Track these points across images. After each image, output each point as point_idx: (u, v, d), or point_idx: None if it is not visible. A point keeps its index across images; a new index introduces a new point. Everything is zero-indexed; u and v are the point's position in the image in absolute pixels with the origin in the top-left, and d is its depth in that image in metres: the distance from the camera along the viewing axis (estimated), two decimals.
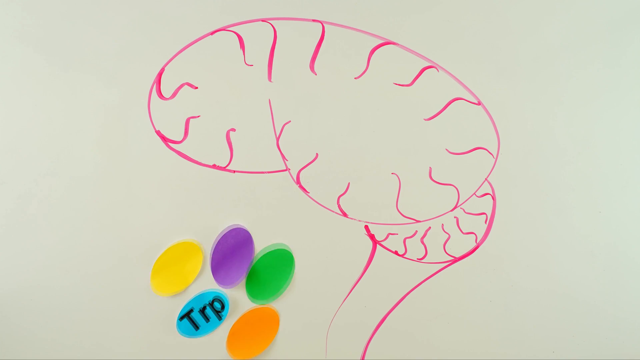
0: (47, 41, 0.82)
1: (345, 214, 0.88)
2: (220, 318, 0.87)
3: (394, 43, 0.86)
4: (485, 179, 0.89)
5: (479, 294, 0.90)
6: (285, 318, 0.89)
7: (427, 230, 0.89)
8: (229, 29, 0.84)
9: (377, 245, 0.89)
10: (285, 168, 0.87)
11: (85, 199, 0.84)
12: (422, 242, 0.89)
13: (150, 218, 0.85)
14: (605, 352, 0.91)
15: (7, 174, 0.83)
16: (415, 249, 0.89)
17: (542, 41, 0.87)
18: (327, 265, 0.88)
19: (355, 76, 0.86)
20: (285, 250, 0.87)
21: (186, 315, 0.87)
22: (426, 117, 0.87)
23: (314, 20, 0.85)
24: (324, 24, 0.85)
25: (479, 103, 0.87)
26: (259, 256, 0.87)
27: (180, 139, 0.85)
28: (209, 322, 0.87)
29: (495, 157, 0.88)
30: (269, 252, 0.87)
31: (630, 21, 0.88)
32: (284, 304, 0.89)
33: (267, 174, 0.86)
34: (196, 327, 0.87)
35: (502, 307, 0.90)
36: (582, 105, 0.88)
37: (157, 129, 0.84)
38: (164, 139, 0.85)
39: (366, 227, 0.88)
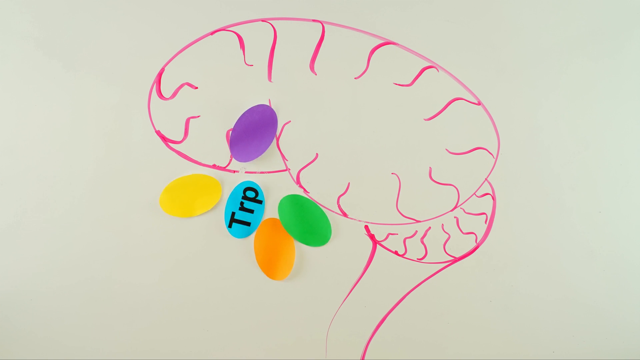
0: (47, 42, 0.82)
1: (345, 214, 0.88)
2: (261, 202, 0.86)
3: (394, 43, 0.86)
4: (485, 179, 0.89)
5: (479, 294, 0.90)
6: (285, 318, 0.89)
7: (427, 230, 0.89)
8: (229, 29, 0.84)
9: (377, 245, 0.89)
10: (285, 168, 0.87)
11: (85, 199, 0.84)
12: (422, 242, 0.89)
13: (149, 219, 0.85)
14: (605, 352, 0.91)
15: (7, 174, 0.83)
16: (415, 249, 0.89)
17: (542, 41, 0.87)
18: (327, 265, 0.88)
19: (355, 76, 0.86)
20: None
21: (232, 220, 0.86)
22: (426, 117, 0.87)
23: (314, 20, 0.85)
24: (324, 24, 0.85)
25: (479, 103, 0.87)
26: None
27: (180, 139, 0.85)
28: (254, 213, 0.86)
29: (495, 157, 0.88)
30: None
31: (633, 22, 0.88)
32: (285, 305, 0.89)
33: (267, 174, 0.86)
34: (247, 223, 0.86)
35: (502, 307, 0.90)
36: (582, 105, 0.88)
37: (157, 129, 0.84)
38: (164, 139, 0.85)
39: (366, 227, 0.88)
